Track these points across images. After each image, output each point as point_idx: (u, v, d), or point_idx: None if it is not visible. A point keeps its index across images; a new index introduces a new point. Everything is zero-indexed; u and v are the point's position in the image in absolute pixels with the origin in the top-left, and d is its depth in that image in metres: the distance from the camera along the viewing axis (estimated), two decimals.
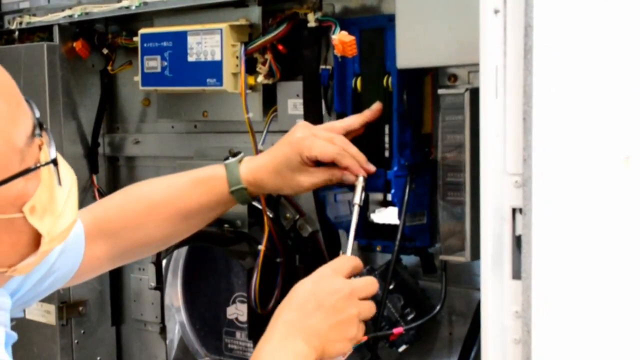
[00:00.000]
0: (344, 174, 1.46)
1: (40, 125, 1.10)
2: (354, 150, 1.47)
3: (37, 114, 1.11)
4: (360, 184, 1.46)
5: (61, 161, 1.14)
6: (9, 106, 1.06)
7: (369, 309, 1.34)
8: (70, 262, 1.46)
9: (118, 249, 1.53)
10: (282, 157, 1.48)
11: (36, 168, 1.07)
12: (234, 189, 1.50)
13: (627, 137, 1.24)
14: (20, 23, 2.19)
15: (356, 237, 1.48)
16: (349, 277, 1.34)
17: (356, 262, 1.36)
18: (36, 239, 1.10)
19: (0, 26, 2.25)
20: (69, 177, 1.16)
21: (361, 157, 1.47)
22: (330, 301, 1.30)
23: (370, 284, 1.34)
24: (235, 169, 1.51)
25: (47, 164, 1.08)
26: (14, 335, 1.24)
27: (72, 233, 1.47)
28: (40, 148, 1.09)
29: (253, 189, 1.51)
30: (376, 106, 1.54)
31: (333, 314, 1.30)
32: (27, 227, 1.08)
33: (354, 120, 1.53)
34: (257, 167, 1.51)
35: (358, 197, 1.46)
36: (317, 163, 1.47)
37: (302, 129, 1.49)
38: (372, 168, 1.47)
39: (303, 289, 1.33)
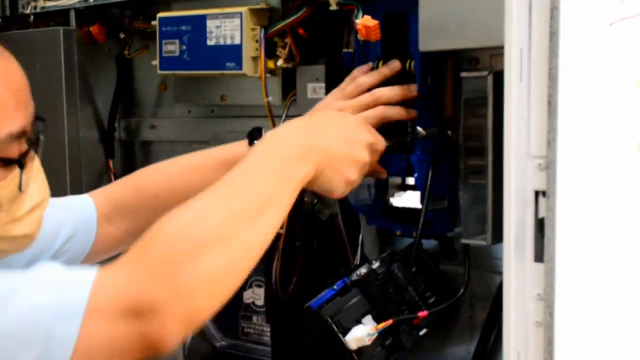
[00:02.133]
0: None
1: (35, 141, 1.12)
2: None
3: (40, 128, 1.13)
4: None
5: (39, 177, 1.15)
6: (12, 101, 1.12)
7: (380, 140, 1.36)
8: (80, 245, 1.46)
9: (135, 228, 1.50)
10: None
11: None
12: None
13: None
14: (35, 8, 2.18)
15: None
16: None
17: None
18: None
19: (15, 11, 2.25)
20: (40, 192, 1.17)
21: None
22: (351, 135, 1.29)
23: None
24: None
25: (9, 160, 1.10)
26: None
27: (83, 215, 1.48)
28: (19, 154, 1.10)
29: None
30: (394, 64, 1.52)
31: (346, 145, 1.28)
32: None
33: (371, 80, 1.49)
34: None
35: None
36: None
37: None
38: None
39: (325, 114, 1.35)
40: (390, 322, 1.48)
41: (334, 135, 1.27)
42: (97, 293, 1.02)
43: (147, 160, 2.18)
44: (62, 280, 1.05)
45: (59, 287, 1.03)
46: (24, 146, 1.15)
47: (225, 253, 1.09)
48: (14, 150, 1.11)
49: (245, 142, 1.51)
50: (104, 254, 1.54)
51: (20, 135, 1.12)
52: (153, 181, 1.54)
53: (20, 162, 1.14)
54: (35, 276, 1.05)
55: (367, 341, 1.46)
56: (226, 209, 1.12)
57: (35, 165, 1.23)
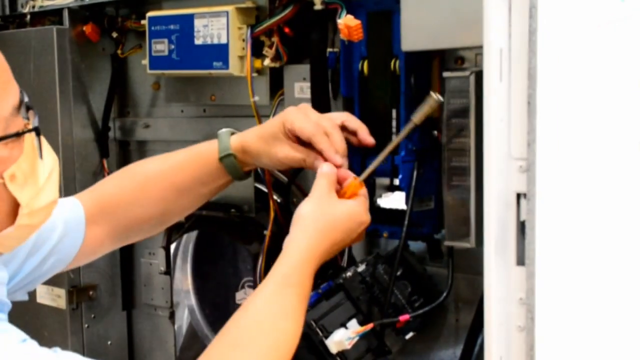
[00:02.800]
0: (317, 158, 1.42)
1: (27, 107, 1.12)
2: (336, 137, 1.42)
3: (26, 99, 1.13)
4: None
5: (45, 142, 1.15)
6: (4, 75, 1.11)
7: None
8: (70, 245, 1.46)
9: (117, 229, 1.52)
10: (269, 125, 1.46)
11: (19, 134, 1.10)
12: (222, 154, 1.48)
13: (634, 121, 1.21)
14: (33, 7, 2.18)
15: None
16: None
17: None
18: (14, 210, 1.12)
19: (14, 9, 2.24)
20: (51, 157, 1.17)
21: (340, 146, 1.42)
22: (350, 226, 1.37)
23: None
24: (226, 137, 1.49)
25: (29, 131, 1.11)
26: (9, 304, 1.24)
27: (73, 216, 1.48)
28: (25, 126, 1.10)
29: (241, 157, 1.48)
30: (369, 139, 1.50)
31: (347, 233, 1.37)
32: (6, 194, 1.10)
33: (353, 121, 1.48)
34: (245, 134, 1.49)
35: None
36: (301, 142, 1.44)
37: (300, 106, 1.46)
38: (338, 161, 1.41)
39: (328, 214, 1.36)
40: (370, 326, 1.46)
41: (341, 241, 1.38)
42: None
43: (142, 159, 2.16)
44: None
45: None
46: (23, 116, 1.15)
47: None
48: (20, 122, 1.12)
49: (215, 141, 1.50)
50: (89, 257, 1.55)
51: (19, 106, 1.12)
52: (130, 176, 1.55)
53: (37, 129, 1.14)
54: None
55: (347, 345, 1.44)
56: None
57: None
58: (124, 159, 2.20)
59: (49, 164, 1.17)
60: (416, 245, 1.62)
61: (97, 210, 1.51)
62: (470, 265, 1.57)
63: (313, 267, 1.32)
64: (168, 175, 1.51)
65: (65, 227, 1.47)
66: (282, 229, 1.71)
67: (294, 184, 1.74)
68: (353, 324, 1.50)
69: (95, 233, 1.51)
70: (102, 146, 2.14)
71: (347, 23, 1.46)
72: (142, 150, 2.17)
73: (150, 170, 1.53)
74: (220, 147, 1.48)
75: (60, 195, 2.00)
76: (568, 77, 1.17)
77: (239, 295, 1.99)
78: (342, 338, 1.44)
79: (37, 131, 1.14)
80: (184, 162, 1.52)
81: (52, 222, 1.43)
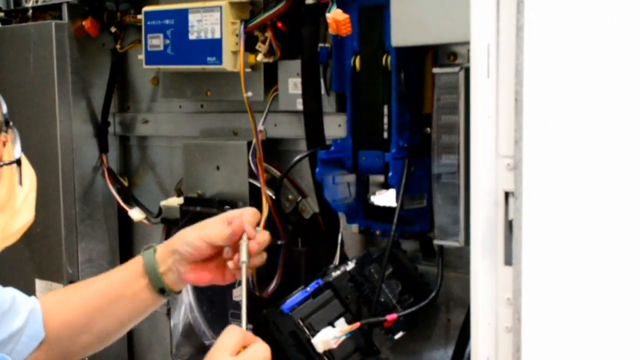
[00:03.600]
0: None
1: (6, 122, 1.10)
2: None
3: (5, 110, 1.11)
4: (244, 242, 1.41)
5: (24, 161, 1.14)
6: None
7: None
8: (31, 334, 1.45)
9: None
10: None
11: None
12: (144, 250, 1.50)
13: (621, 118, 1.19)
14: (36, 1, 2.18)
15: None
16: (239, 350, 1.30)
17: (244, 334, 1.33)
18: None
19: (18, 4, 2.24)
20: (29, 176, 1.16)
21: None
22: None
23: (259, 351, 1.31)
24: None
25: (10, 163, 1.08)
26: None
27: (36, 315, 1.45)
28: (4, 145, 1.08)
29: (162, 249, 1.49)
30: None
31: None
32: None
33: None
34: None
35: (244, 255, 1.42)
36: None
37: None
38: (252, 233, 1.42)
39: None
40: (357, 325, 1.45)
41: None
42: None
43: (142, 154, 2.16)
44: None
45: None
46: (4, 134, 1.13)
47: None
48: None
49: (139, 262, 1.50)
50: None
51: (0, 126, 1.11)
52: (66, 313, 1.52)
53: (18, 161, 1.12)
54: None
55: (333, 344, 1.42)
56: None
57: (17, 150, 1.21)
58: (124, 154, 2.19)
59: (27, 185, 1.15)
60: (408, 244, 1.60)
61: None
62: (463, 264, 1.54)
63: None
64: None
65: (30, 314, 1.46)
66: (274, 225, 1.70)
67: (286, 177, 1.72)
68: (341, 322, 1.49)
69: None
70: (102, 141, 2.13)
71: (335, 17, 1.44)
72: (142, 146, 2.16)
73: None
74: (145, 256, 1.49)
75: (58, 192, 2.02)
76: (556, 73, 1.15)
77: (235, 292, 1.97)
78: (328, 337, 1.42)
79: (18, 162, 1.12)
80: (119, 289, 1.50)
81: (19, 304, 1.44)
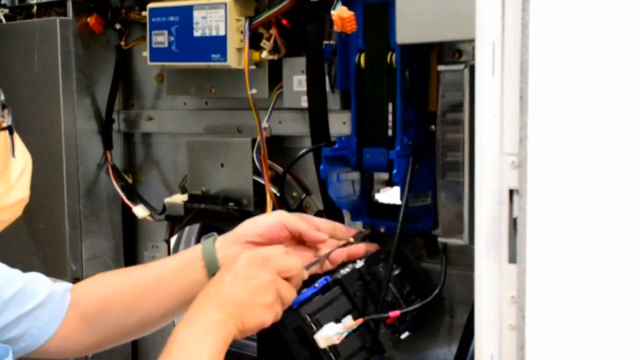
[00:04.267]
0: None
1: (3, 105, 1.12)
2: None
3: (2, 97, 1.13)
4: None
5: (18, 141, 1.15)
6: None
7: (287, 287, 1.37)
8: (48, 319, 1.45)
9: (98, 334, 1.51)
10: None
11: None
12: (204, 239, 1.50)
13: (627, 117, 1.19)
14: None
15: None
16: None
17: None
18: None
19: (22, 1, 2.24)
20: (24, 156, 1.17)
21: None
22: (244, 269, 1.32)
23: (285, 255, 1.37)
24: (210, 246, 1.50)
25: (3, 129, 1.10)
26: None
27: (59, 295, 1.46)
28: (0, 124, 1.10)
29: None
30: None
31: (246, 280, 1.31)
32: None
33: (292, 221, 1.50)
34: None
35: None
36: None
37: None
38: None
39: (223, 270, 1.34)
40: (360, 321, 1.45)
41: (237, 288, 1.32)
42: None
43: (147, 151, 2.16)
44: None
45: None
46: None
47: None
48: None
49: (198, 248, 1.50)
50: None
51: None
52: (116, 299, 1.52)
53: (10, 128, 1.14)
54: None
55: (336, 340, 1.42)
56: None
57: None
58: (128, 151, 2.19)
59: (22, 162, 1.17)
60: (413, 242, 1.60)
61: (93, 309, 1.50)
62: (467, 262, 1.54)
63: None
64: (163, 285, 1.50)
65: (48, 298, 1.47)
66: None
67: (290, 174, 1.72)
68: (348, 320, 1.49)
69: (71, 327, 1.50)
70: (106, 138, 2.13)
71: (340, 14, 1.44)
72: (147, 143, 2.16)
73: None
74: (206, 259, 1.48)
75: (62, 189, 2.02)
76: (561, 71, 1.15)
77: None
78: (330, 333, 1.42)
79: (10, 130, 1.14)
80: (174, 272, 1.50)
81: (36, 287, 1.45)
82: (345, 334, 1.43)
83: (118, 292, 1.49)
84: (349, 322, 1.46)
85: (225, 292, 1.30)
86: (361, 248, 1.52)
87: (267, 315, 1.34)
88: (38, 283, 1.48)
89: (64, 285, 1.50)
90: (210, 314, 1.27)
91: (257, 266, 1.33)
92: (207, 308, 1.28)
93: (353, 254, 1.51)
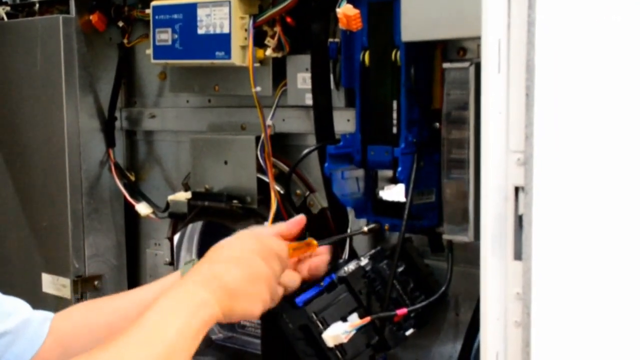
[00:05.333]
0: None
1: None
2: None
3: None
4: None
5: None
6: None
7: (290, 276, 1.35)
8: (23, 345, 1.42)
9: None
10: None
11: None
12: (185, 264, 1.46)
13: (633, 115, 1.19)
14: None
15: None
16: None
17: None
18: None
19: None
20: None
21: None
22: (241, 255, 1.28)
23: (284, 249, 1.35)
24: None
25: None
26: None
27: (37, 319, 1.43)
28: None
29: None
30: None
31: (242, 267, 1.27)
32: None
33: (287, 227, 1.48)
34: None
35: None
36: None
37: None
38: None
39: (217, 244, 1.30)
40: (367, 319, 1.45)
41: (230, 273, 1.27)
42: None
43: (149, 149, 2.16)
44: None
45: None
46: None
47: None
48: None
49: (177, 274, 1.48)
50: None
51: None
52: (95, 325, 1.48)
53: None
54: None
55: (344, 339, 1.42)
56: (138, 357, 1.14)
57: None
58: (131, 149, 2.19)
59: None
60: (416, 239, 1.60)
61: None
62: (471, 259, 1.54)
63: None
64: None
65: (25, 324, 1.43)
66: (283, 220, 1.70)
67: (294, 172, 1.72)
68: (354, 317, 1.49)
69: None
70: (109, 136, 2.13)
71: (346, 12, 1.44)
72: (149, 141, 2.16)
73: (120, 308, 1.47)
74: None
75: (65, 187, 2.02)
76: (567, 69, 1.15)
77: None
78: (338, 332, 1.43)
79: None
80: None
81: (10, 310, 1.42)
82: (353, 332, 1.44)
83: (99, 320, 1.46)
84: (356, 321, 1.47)
85: (218, 274, 1.25)
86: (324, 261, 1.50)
87: (256, 306, 1.29)
88: (14, 306, 1.44)
89: (43, 314, 1.46)
90: (196, 292, 1.22)
91: (257, 253, 1.30)
92: (195, 286, 1.23)
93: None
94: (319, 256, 1.49)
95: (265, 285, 1.30)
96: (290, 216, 1.71)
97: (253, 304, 1.29)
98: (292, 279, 1.42)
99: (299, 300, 1.48)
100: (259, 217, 1.75)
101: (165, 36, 1.81)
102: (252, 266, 1.29)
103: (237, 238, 1.33)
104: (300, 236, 1.48)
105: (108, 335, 1.27)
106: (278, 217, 1.70)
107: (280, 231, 1.44)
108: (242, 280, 1.27)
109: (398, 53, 1.49)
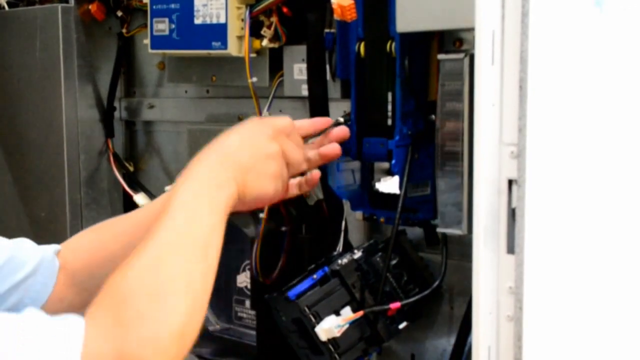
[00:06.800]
0: None
1: None
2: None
3: None
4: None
5: None
6: None
7: (294, 149, 1.31)
8: (38, 288, 1.39)
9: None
10: None
11: None
12: None
13: (627, 108, 1.18)
14: None
15: None
16: None
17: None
18: None
19: None
20: None
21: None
22: (250, 135, 1.27)
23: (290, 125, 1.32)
24: None
25: None
26: None
27: (48, 260, 1.42)
28: None
29: None
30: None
31: (253, 147, 1.26)
32: None
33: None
34: None
35: None
36: None
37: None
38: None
39: (224, 133, 1.29)
40: (361, 313, 1.44)
41: (243, 152, 1.25)
42: None
43: (148, 140, 2.16)
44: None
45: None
46: None
47: (186, 297, 1.08)
48: None
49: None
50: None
51: None
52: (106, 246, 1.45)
53: None
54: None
55: (337, 333, 1.42)
56: (177, 256, 1.11)
57: None
58: (130, 139, 2.19)
59: None
60: (412, 231, 1.60)
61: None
62: (467, 252, 1.53)
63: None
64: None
65: (39, 266, 1.41)
66: (278, 211, 1.69)
67: None
68: (347, 311, 1.48)
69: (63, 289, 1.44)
70: (108, 126, 2.13)
71: (340, 2, 1.43)
72: (148, 131, 2.16)
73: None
74: None
75: (63, 177, 2.02)
76: (561, 61, 1.14)
77: (239, 277, 1.97)
78: (331, 326, 1.42)
79: None
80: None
81: (25, 256, 1.40)
82: (346, 326, 1.43)
83: (102, 246, 1.42)
84: (349, 315, 1.46)
85: (230, 153, 1.23)
86: (336, 149, 1.43)
87: (269, 185, 1.27)
88: (27, 251, 1.42)
89: (51, 249, 1.44)
90: (213, 173, 1.20)
91: (266, 135, 1.28)
92: (211, 167, 1.21)
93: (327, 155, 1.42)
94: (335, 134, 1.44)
95: (276, 162, 1.28)
96: (285, 207, 1.70)
97: (266, 182, 1.27)
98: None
99: (292, 293, 1.48)
100: (254, 209, 1.74)
101: (162, 26, 1.80)
102: (261, 146, 1.27)
103: (243, 124, 1.31)
104: None
105: (113, 261, 1.22)
106: (273, 209, 1.69)
107: (302, 126, 1.40)
108: (252, 158, 1.25)
109: (393, 44, 1.47)
